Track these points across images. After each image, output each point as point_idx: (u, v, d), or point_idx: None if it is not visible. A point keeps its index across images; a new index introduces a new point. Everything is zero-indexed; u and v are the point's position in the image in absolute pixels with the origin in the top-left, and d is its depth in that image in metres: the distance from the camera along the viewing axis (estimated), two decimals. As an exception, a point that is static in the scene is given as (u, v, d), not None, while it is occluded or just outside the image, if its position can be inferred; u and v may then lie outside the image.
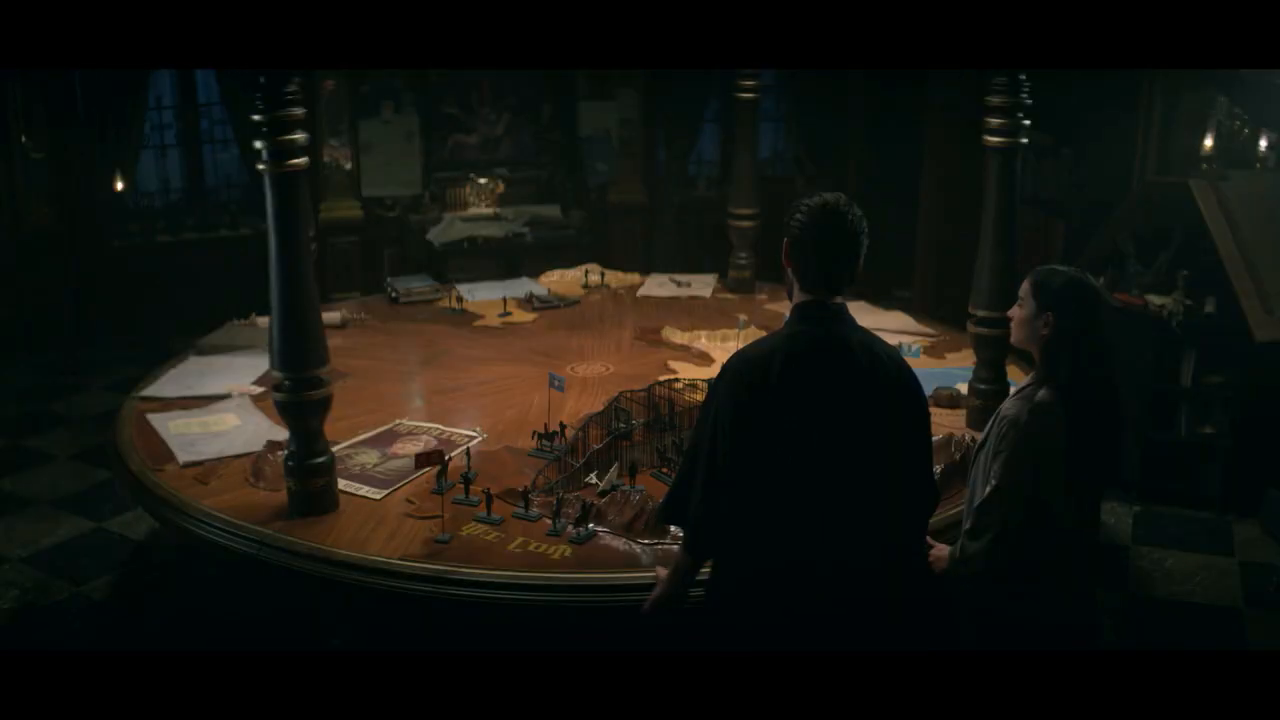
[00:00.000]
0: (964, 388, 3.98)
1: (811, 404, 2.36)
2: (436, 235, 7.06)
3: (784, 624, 2.39)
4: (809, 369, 2.37)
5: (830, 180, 8.41)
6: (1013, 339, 2.78)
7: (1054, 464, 2.58)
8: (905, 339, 4.63)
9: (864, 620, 2.42)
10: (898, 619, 2.46)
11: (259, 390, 4.22)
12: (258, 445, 3.68)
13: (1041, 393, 2.61)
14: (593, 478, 3.45)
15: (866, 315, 5.26)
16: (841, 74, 7.93)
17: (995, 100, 3.53)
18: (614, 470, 3.43)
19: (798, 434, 2.35)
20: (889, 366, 2.45)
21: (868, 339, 2.48)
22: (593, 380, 4.37)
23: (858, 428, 2.39)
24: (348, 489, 3.39)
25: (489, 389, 4.33)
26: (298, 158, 2.99)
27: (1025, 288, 2.69)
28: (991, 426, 2.70)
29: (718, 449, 2.37)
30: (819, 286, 2.44)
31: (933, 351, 4.72)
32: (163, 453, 3.70)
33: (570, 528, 3.14)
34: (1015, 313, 2.72)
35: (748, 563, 2.44)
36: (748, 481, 2.37)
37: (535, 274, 6.07)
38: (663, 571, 2.69)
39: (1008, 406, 2.67)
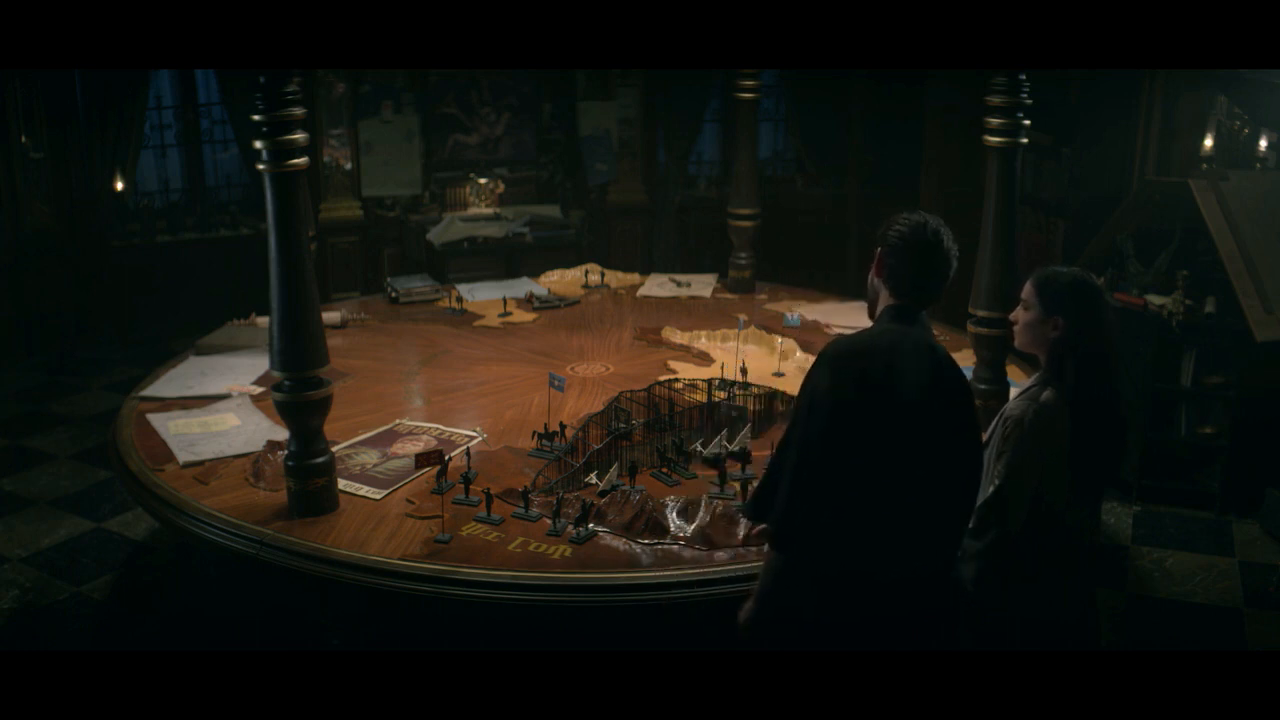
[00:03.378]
0: (964, 388, 3.97)
1: (906, 404, 2.34)
2: (436, 235, 7.06)
3: (850, 626, 2.36)
4: (906, 368, 2.35)
5: (830, 180, 8.44)
6: (1017, 342, 2.76)
7: (1057, 464, 2.58)
8: (905, 339, 4.62)
9: (920, 630, 2.40)
10: (943, 629, 2.46)
11: (259, 390, 4.22)
12: (258, 445, 3.69)
13: (1046, 393, 2.61)
14: (593, 478, 3.45)
15: (867, 315, 5.26)
16: (841, 74, 7.94)
17: (995, 100, 3.54)
18: (614, 470, 3.43)
19: (892, 432, 2.32)
20: (960, 375, 2.47)
21: (942, 348, 2.47)
22: (593, 380, 4.37)
23: (940, 433, 2.38)
24: (348, 489, 3.40)
25: (489, 389, 4.33)
26: (298, 158, 2.99)
27: (1029, 291, 2.67)
28: (995, 426, 2.70)
29: (812, 439, 2.32)
30: (907, 297, 2.46)
31: (933, 351, 4.71)
32: (163, 453, 3.70)
33: (570, 528, 3.14)
34: (1019, 316, 2.70)
35: (829, 561, 2.37)
36: (839, 477, 2.32)
37: (535, 274, 6.07)
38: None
39: (1012, 406, 2.66)
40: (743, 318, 4.90)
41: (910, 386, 2.34)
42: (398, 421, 3.95)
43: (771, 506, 2.42)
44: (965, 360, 4.34)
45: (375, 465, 3.59)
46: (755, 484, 2.67)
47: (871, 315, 2.55)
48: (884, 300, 2.50)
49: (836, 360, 2.36)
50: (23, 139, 6.72)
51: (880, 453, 2.31)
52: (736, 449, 3.47)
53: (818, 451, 2.31)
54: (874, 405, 2.31)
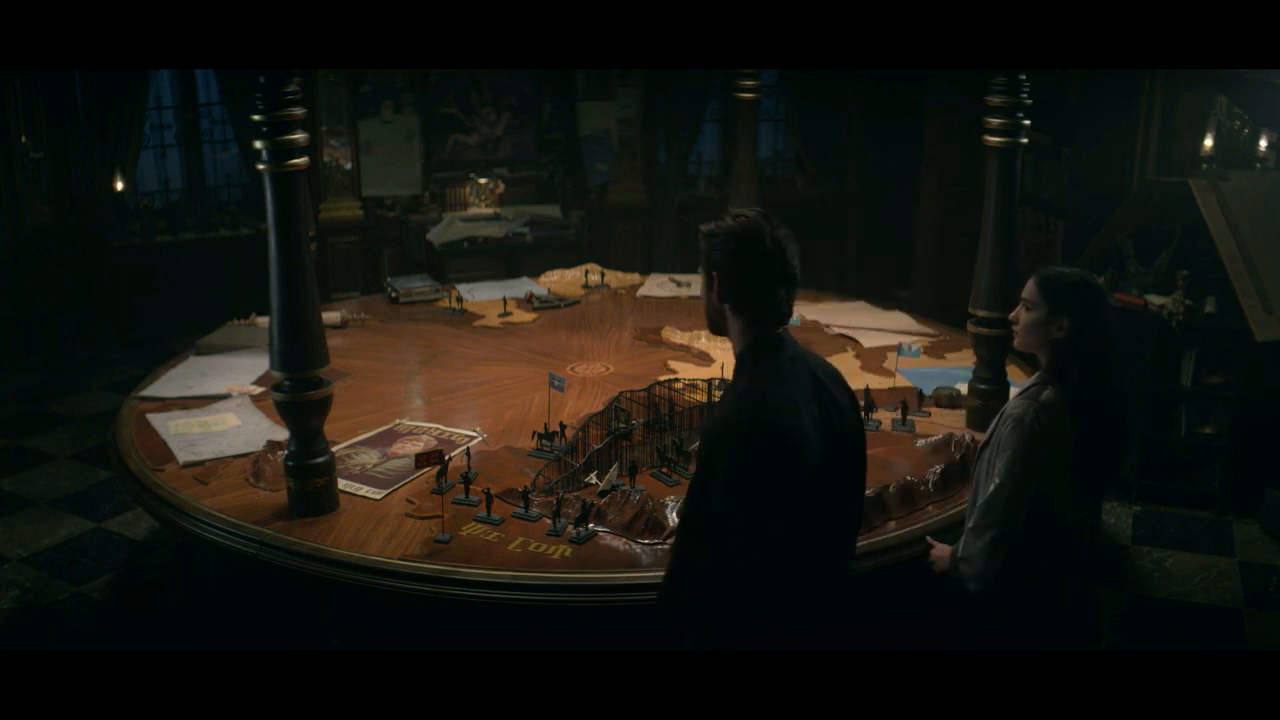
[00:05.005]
0: (964, 388, 3.98)
1: (819, 449, 2.18)
2: (436, 235, 7.06)
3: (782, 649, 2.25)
4: (805, 419, 2.17)
5: (830, 180, 8.44)
6: (1018, 343, 2.75)
7: (1058, 464, 2.58)
8: (905, 339, 4.63)
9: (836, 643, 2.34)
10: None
11: (259, 390, 4.22)
12: (258, 445, 3.68)
13: (1047, 392, 2.60)
14: (593, 478, 3.45)
15: (867, 315, 5.27)
16: (841, 74, 7.94)
17: (995, 100, 3.54)
18: (614, 470, 3.43)
19: (810, 479, 2.17)
20: (844, 382, 2.34)
21: (818, 359, 2.34)
22: (593, 380, 4.37)
23: (845, 455, 2.29)
24: (348, 489, 3.39)
25: (489, 389, 4.33)
26: (298, 158, 2.99)
27: (1032, 292, 2.67)
28: (996, 425, 2.70)
29: (737, 525, 2.11)
30: (766, 317, 2.22)
31: (933, 351, 4.72)
32: (163, 453, 3.70)
33: (570, 528, 3.14)
34: (1021, 317, 2.69)
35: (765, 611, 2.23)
36: (772, 544, 2.15)
37: (535, 274, 6.07)
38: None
39: (1013, 405, 2.66)
40: (743, 318, 4.89)
41: (814, 430, 2.18)
42: (398, 421, 3.95)
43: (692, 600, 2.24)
44: (965, 360, 4.35)
45: (375, 465, 3.58)
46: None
47: (716, 332, 2.32)
48: (742, 333, 2.24)
49: (747, 440, 2.11)
50: (23, 139, 6.73)
51: (805, 507, 2.19)
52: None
53: (756, 530, 2.12)
54: (792, 467, 2.13)
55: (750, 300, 2.22)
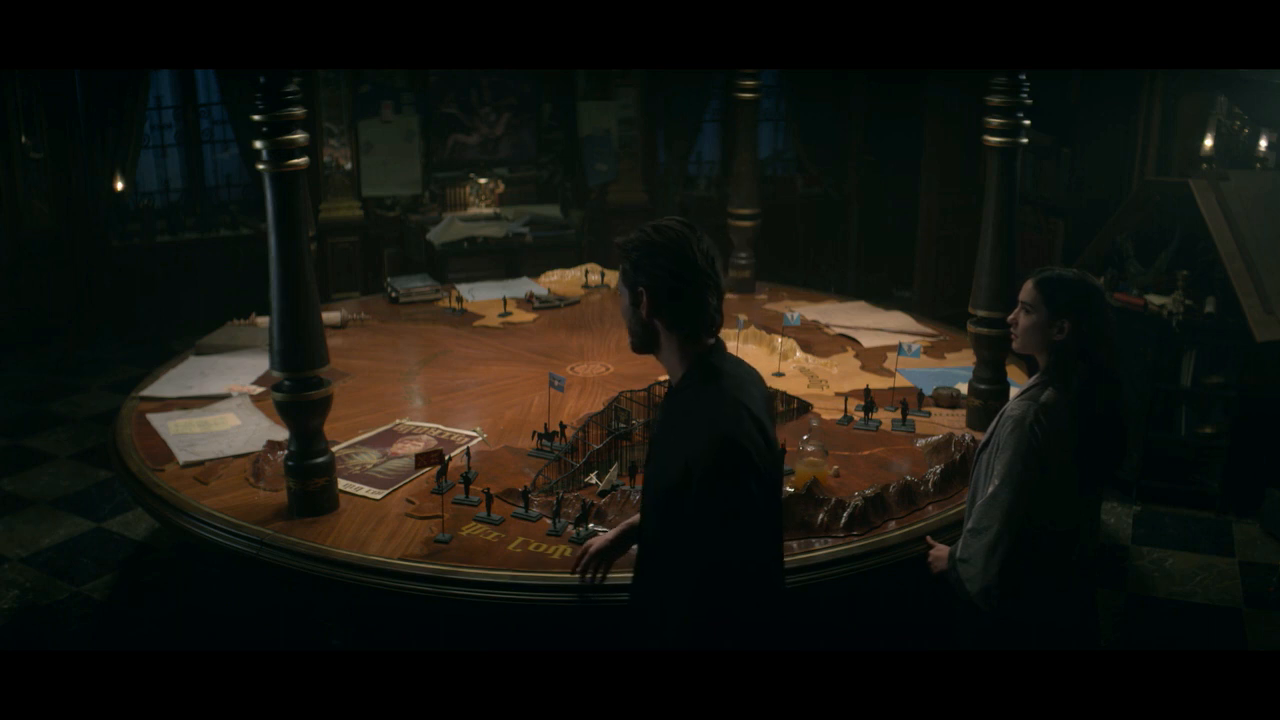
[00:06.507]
0: (964, 388, 3.98)
1: (769, 455, 2.19)
2: (436, 235, 7.06)
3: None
4: (766, 431, 2.17)
5: (830, 180, 8.45)
6: (1017, 345, 2.74)
7: (1058, 464, 2.58)
8: (905, 339, 4.63)
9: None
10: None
11: (259, 390, 4.22)
12: (258, 445, 3.69)
13: (1048, 393, 2.60)
14: (593, 478, 3.45)
15: (867, 315, 5.27)
16: (841, 74, 7.95)
17: (995, 100, 3.54)
18: (614, 470, 3.43)
19: (773, 494, 2.21)
20: (762, 381, 2.32)
21: (748, 367, 2.30)
22: (593, 380, 4.37)
23: (778, 457, 2.28)
24: (348, 489, 3.40)
25: (489, 389, 4.33)
26: (298, 158, 2.99)
27: (1031, 295, 2.66)
28: (996, 426, 2.70)
29: (713, 544, 2.06)
30: (702, 331, 2.16)
31: (933, 351, 4.72)
32: (163, 453, 3.70)
33: (570, 528, 3.14)
34: (1020, 320, 2.69)
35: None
36: (743, 562, 2.14)
37: (535, 274, 6.07)
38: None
39: (1013, 406, 2.66)
40: (743, 318, 4.90)
41: (772, 445, 2.17)
42: (398, 421, 3.95)
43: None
44: (965, 360, 4.35)
45: (375, 465, 3.59)
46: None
47: (641, 351, 2.24)
48: (679, 351, 2.16)
49: (722, 472, 2.04)
50: (23, 139, 6.73)
51: (769, 513, 2.22)
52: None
53: (731, 547, 2.08)
54: (758, 479, 2.10)
55: (684, 314, 2.14)
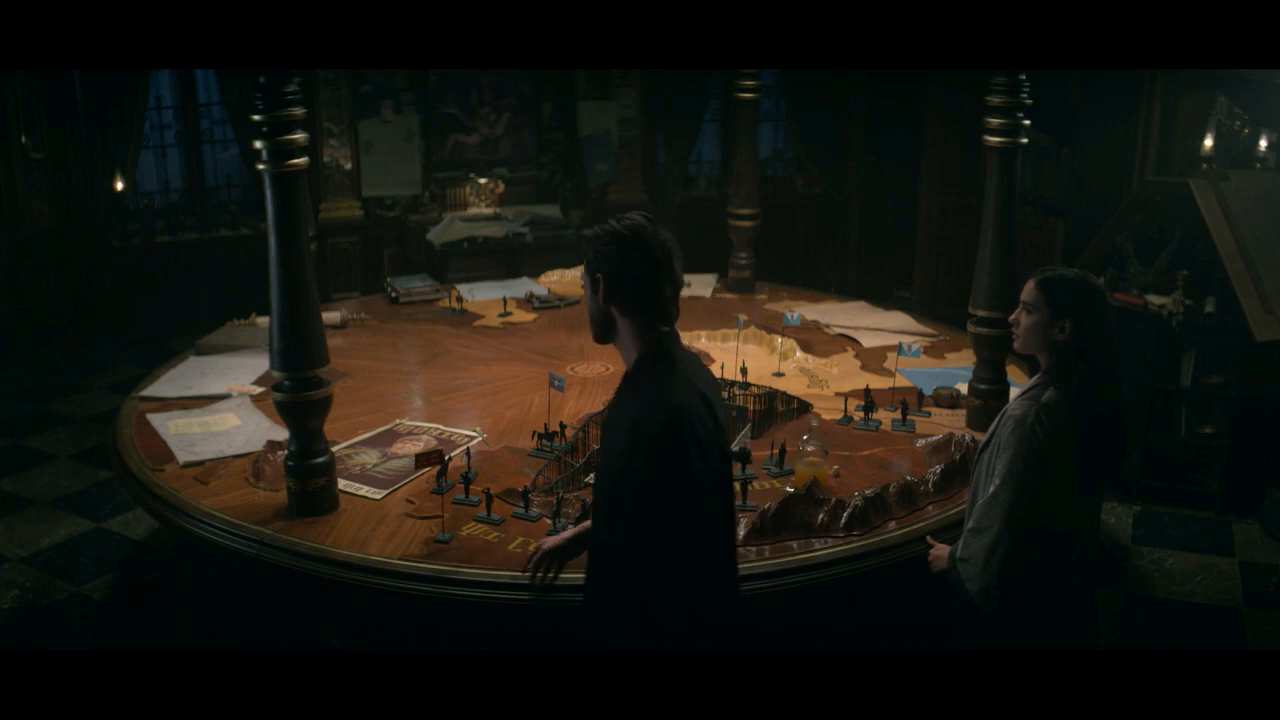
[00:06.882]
0: (964, 388, 3.98)
1: (724, 449, 2.27)
2: (436, 235, 7.06)
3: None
4: (717, 419, 2.24)
5: (830, 180, 8.45)
6: (1018, 346, 2.74)
7: (1058, 464, 2.58)
8: (905, 339, 4.63)
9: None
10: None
11: (259, 390, 4.22)
12: (258, 445, 3.68)
13: (1049, 393, 2.60)
14: (592, 478, 3.45)
15: (867, 315, 5.27)
16: (841, 74, 7.95)
17: (995, 100, 3.53)
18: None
19: (723, 481, 2.28)
20: (713, 377, 2.44)
21: (696, 359, 2.38)
22: (593, 380, 4.37)
23: (726, 448, 2.33)
24: (348, 489, 3.40)
25: (489, 389, 4.33)
26: (298, 158, 2.99)
27: (1033, 295, 2.66)
28: (997, 426, 2.70)
29: (656, 533, 2.12)
30: (657, 320, 2.23)
31: (933, 351, 4.72)
32: (163, 453, 3.70)
33: (570, 527, 3.13)
34: (1021, 320, 2.69)
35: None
36: (693, 550, 2.18)
37: (535, 274, 6.07)
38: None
39: (1014, 406, 2.66)
40: (742, 318, 4.90)
41: (721, 431, 2.24)
42: (398, 421, 3.95)
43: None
44: (965, 360, 4.35)
45: (375, 465, 3.59)
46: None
47: (602, 340, 2.31)
48: (635, 338, 2.24)
49: (669, 441, 2.10)
50: (23, 139, 6.73)
51: (720, 501, 2.27)
52: (736, 449, 3.47)
53: (689, 533, 2.14)
54: (707, 465, 2.15)
55: (637, 301, 2.22)
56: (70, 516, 4.91)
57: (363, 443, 3.77)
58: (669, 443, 2.09)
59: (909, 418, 3.89)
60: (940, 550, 2.87)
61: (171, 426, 3.90)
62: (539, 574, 2.78)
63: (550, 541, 2.78)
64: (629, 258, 2.21)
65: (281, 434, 3.42)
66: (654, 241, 2.22)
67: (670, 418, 2.10)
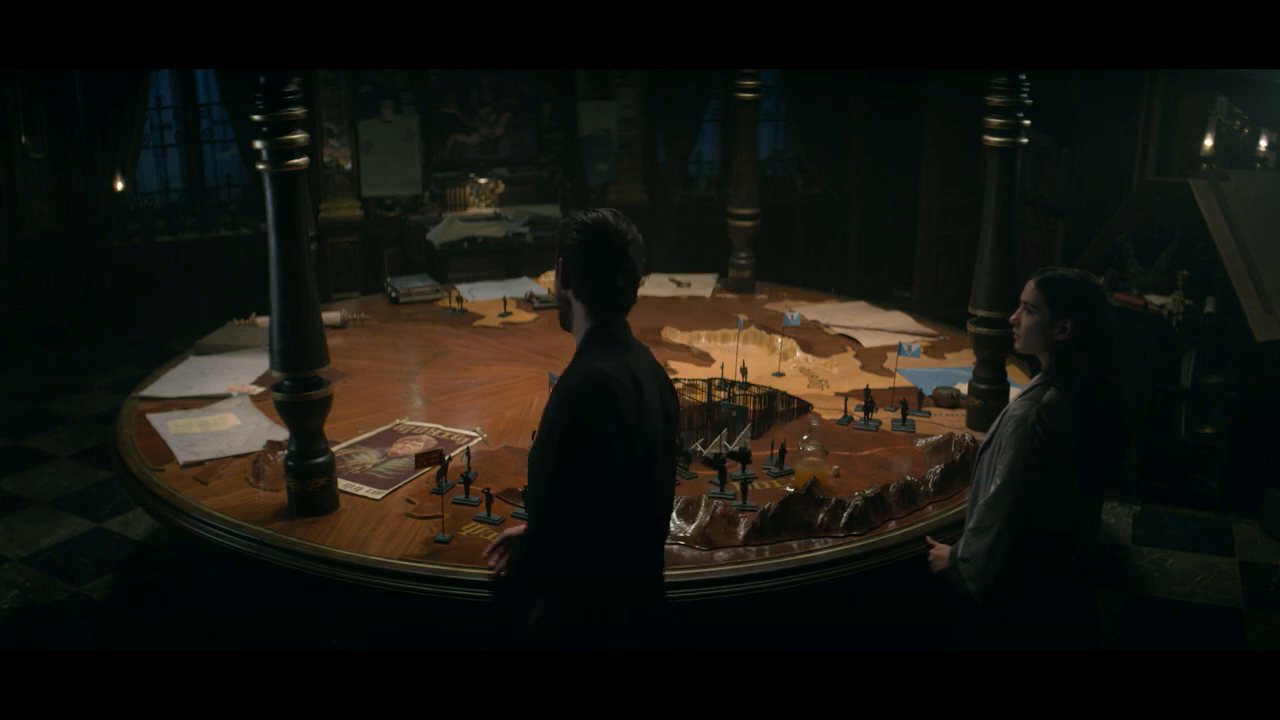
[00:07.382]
0: (964, 388, 3.98)
1: (653, 431, 2.33)
2: (436, 235, 7.06)
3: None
4: (649, 398, 2.32)
5: (830, 180, 8.45)
6: (1019, 346, 2.74)
7: (1059, 464, 2.59)
8: (905, 339, 4.63)
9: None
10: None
11: (259, 390, 4.22)
12: (258, 445, 3.68)
13: (1049, 393, 2.60)
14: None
15: (867, 315, 5.27)
16: (841, 74, 7.95)
17: (995, 100, 3.53)
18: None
19: (644, 458, 2.31)
20: (669, 380, 2.50)
21: (649, 356, 2.45)
22: (593, 380, 4.37)
23: (666, 444, 2.41)
24: (348, 489, 3.39)
25: (489, 389, 4.33)
26: (298, 158, 2.99)
27: (1034, 295, 2.66)
28: (997, 426, 2.70)
29: (574, 497, 2.22)
30: (608, 306, 2.36)
31: (933, 351, 4.72)
32: (163, 453, 3.70)
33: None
34: (1022, 320, 2.69)
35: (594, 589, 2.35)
36: (608, 526, 2.28)
37: (535, 274, 6.07)
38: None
39: (1015, 406, 2.66)
40: (742, 318, 4.90)
41: (655, 414, 2.33)
42: (398, 421, 3.95)
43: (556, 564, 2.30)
44: (965, 360, 4.35)
45: (375, 465, 3.59)
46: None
47: (565, 326, 2.44)
48: (584, 319, 2.37)
49: (588, 401, 2.22)
50: (23, 139, 6.73)
51: (635, 480, 2.31)
52: (736, 449, 3.47)
53: (594, 503, 2.23)
54: (629, 441, 2.24)
55: (590, 287, 2.34)
56: (70, 516, 4.91)
57: (363, 443, 3.77)
58: (588, 401, 2.22)
59: (909, 418, 3.89)
60: (940, 550, 2.87)
61: (171, 426, 3.90)
62: (491, 560, 2.81)
63: (511, 530, 2.81)
64: (586, 245, 2.33)
65: (281, 434, 3.42)
66: (614, 232, 2.33)
67: (592, 380, 2.23)
